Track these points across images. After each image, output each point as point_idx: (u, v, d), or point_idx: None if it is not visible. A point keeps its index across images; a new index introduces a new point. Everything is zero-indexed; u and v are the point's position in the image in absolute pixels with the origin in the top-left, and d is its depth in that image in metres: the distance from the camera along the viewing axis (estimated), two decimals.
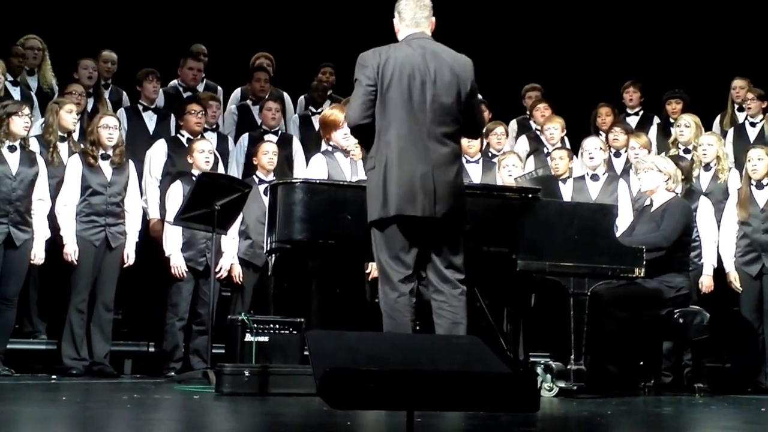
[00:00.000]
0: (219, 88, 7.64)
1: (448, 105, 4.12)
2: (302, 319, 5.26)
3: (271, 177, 6.15)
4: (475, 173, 6.63)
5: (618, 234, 5.38)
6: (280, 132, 6.95)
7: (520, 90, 8.17)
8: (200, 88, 7.45)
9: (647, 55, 8.72)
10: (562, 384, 4.89)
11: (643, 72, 8.18)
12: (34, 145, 5.80)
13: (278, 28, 8.57)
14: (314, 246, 4.78)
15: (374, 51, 4.18)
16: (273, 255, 5.51)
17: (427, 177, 4.05)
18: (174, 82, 7.43)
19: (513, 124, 7.87)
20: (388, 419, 3.43)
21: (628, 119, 7.81)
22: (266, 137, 6.70)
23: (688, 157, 6.61)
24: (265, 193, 5.76)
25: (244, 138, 6.86)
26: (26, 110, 5.60)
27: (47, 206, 5.70)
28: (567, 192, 6.31)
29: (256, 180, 6.18)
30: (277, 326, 5.13)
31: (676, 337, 5.63)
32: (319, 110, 7.50)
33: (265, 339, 5.08)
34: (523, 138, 7.52)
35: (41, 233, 5.63)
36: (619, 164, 7.02)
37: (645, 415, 4.40)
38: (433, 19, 4.27)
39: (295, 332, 5.16)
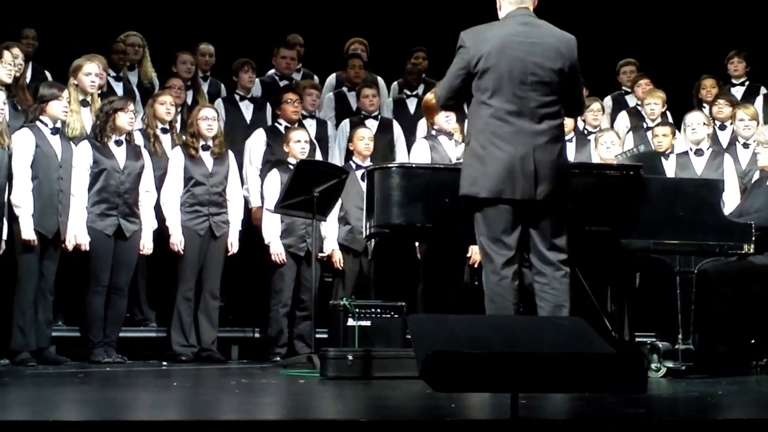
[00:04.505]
0: (315, 76, 7.70)
1: (550, 82, 4.05)
2: (403, 303, 5.28)
3: (368, 162, 6.18)
4: (569, 151, 6.50)
5: (727, 211, 5.23)
6: (380, 117, 6.98)
7: (614, 65, 7.99)
8: (297, 76, 7.52)
9: (750, 23, 8.40)
10: (670, 364, 4.79)
11: (746, 41, 7.89)
12: (139, 139, 5.97)
13: (372, 13, 8.58)
14: (412, 230, 4.79)
15: (473, 30, 4.14)
16: (372, 240, 5.55)
17: (527, 158, 3.99)
18: (271, 71, 7.53)
19: (608, 101, 7.71)
20: (492, 401, 3.41)
21: (733, 90, 7.56)
22: (367, 122, 6.75)
23: None
24: (362, 178, 5.80)
25: (345, 124, 6.91)
26: (131, 106, 5.76)
27: (153, 198, 5.86)
28: (670, 168, 6.16)
29: (354, 166, 6.22)
30: (379, 310, 5.17)
31: None
32: (414, 93, 7.50)
33: (367, 323, 5.12)
34: (624, 114, 7.36)
35: (149, 224, 5.79)
36: (724, 137, 6.81)
37: (758, 394, 4.28)
38: None
39: (396, 316, 5.19)
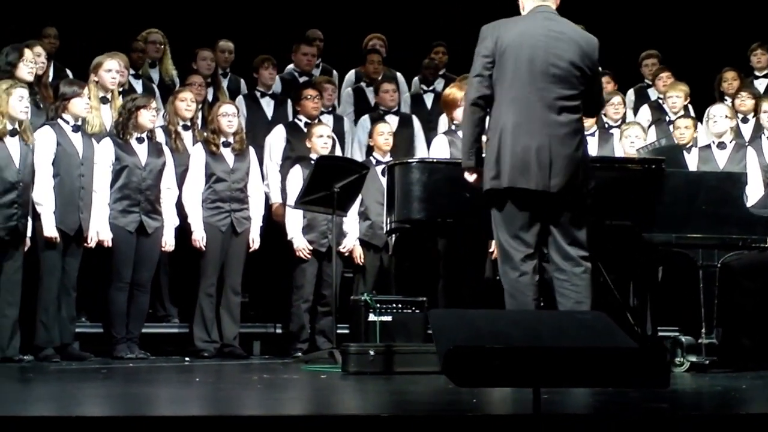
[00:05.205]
0: (334, 72, 7.71)
1: (570, 76, 4.03)
2: (424, 298, 5.28)
3: (388, 158, 6.18)
4: (591, 146, 6.48)
5: (751, 204, 5.19)
6: (399, 112, 6.97)
7: (637, 57, 7.94)
8: (316, 72, 7.53)
9: None
10: (693, 358, 4.76)
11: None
12: (160, 136, 5.99)
13: (390, 9, 8.57)
14: (433, 225, 4.78)
15: (495, 23, 4.13)
16: (393, 235, 5.56)
17: (542, 150, 3.97)
18: (290, 67, 7.53)
19: (630, 94, 7.67)
20: (514, 396, 3.41)
21: (756, 83, 7.49)
22: (387, 118, 6.74)
23: None
24: (382, 173, 5.80)
25: (365, 119, 6.90)
26: (153, 104, 5.79)
27: (175, 194, 5.88)
28: (693, 162, 6.11)
29: (374, 161, 6.22)
30: (400, 305, 5.17)
31: None
32: (431, 88, 7.49)
33: (389, 318, 5.12)
34: (645, 108, 7.32)
35: (171, 221, 5.81)
36: (746, 130, 6.75)
37: None
38: None
39: (417, 311, 5.18)
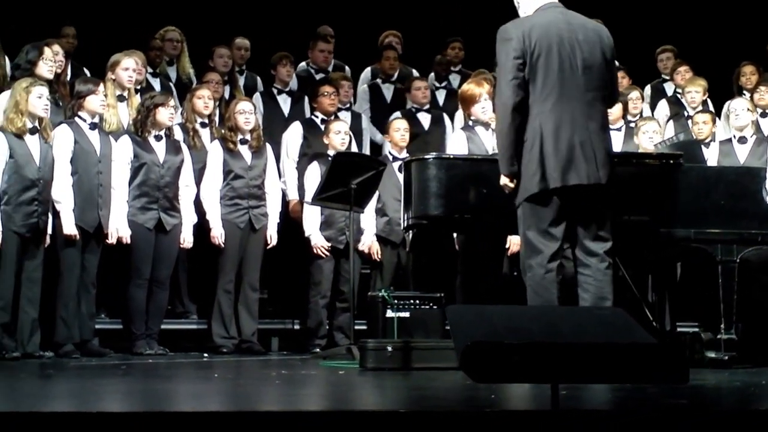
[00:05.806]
0: (347, 67, 7.71)
1: (597, 70, 4.04)
2: (442, 294, 5.27)
3: (404, 154, 6.18)
4: (617, 140, 6.45)
5: None
6: (431, 110, 6.95)
7: (652, 53, 7.90)
8: (329, 68, 7.53)
9: None
10: (712, 354, 4.73)
11: None
12: (178, 133, 6.02)
13: (406, 5, 8.56)
14: (450, 221, 4.78)
15: (515, 22, 4.07)
16: (410, 231, 5.55)
17: (586, 144, 3.97)
18: (303, 64, 7.54)
19: (647, 90, 7.63)
20: (532, 392, 3.40)
21: None
22: (418, 115, 6.74)
23: None
24: (399, 169, 5.80)
25: (397, 116, 6.87)
26: (171, 102, 5.82)
27: (193, 192, 5.90)
28: (713, 156, 6.09)
29: (390, 157, 6.22)
30: (418, 302, 5.16)
31: None
32: (443, 84, 7.47)
33: (406, 314, 5.12)
34: (663, 102, 7.29)
35: (189, 218, 5.84)
36: (765, 125, 6.71)
37: None
38: None
39: (435, 307, 5.18)
